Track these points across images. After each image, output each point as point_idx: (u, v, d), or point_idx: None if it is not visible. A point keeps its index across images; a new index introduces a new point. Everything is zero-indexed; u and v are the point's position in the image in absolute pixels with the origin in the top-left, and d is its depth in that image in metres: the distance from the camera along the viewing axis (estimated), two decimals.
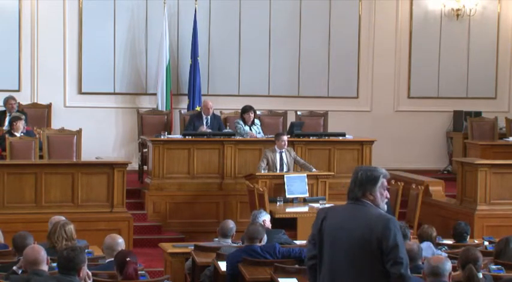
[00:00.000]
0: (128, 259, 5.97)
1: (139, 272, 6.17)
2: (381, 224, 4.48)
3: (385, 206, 4.68)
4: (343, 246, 4.55)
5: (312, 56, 14.49)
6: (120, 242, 6.65)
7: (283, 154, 11.22)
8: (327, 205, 10.32)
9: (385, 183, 4.66)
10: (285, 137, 11.27)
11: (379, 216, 4.54)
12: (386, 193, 4.66)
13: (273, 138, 11.43)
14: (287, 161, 11.23)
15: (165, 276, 6.92)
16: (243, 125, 12.30)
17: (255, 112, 12.49)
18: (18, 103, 12.86)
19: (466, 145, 13.81)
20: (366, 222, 4.51)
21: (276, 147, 11.22)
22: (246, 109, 12.42)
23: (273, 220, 9.27)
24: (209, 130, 12.30)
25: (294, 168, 11.38)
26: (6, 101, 12.57)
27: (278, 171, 11.11)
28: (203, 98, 13.46)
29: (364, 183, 4.61)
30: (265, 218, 8.41)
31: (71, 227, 7.09)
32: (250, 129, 12.33)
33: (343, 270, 4.55)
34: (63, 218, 7.69)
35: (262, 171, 10.98)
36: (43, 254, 5.56)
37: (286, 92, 14.43)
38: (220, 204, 11.63)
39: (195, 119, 12.61)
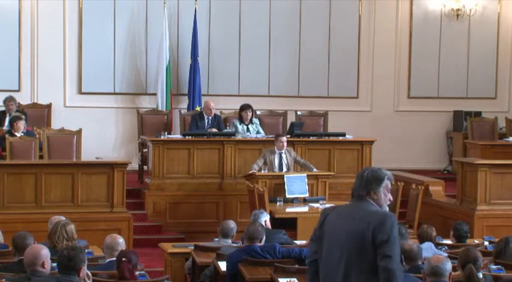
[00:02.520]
0: (123, 259, 5.97)
1: (138, 272, 6.17)
2: (377, 219, 4.56)
3: (387, 208, 4.75)
4: (339, 240, 4.64)
5: (312, 56, 14.49)
6: (121, 242, 6.65)
7: (283, 155, 11.21)
8: (327, 205, 10.36)
9: (389, 186, 4.74)
10: (284, 138, 11.25)
11: (376, 211, 4.64)
12: (389, 196, 4.74)
13: (273, 139, 11.43)
14: (287, 162, 11.22)
15: (165, 276, 6.92)
16: (238, 125, 12.32)
17: (253, 110, 12.49)
18: (18, 103, 12.86)
19: (466, 145, 13.81)
20: (363, 217, 4.60)
21: (275, 148, 11.22)
22: (243, 107, 12.43)
23: (273, 220, 9.28)
24: (215, 130, 12.30)
25: (295, 168, 11.38)
26: (5, 102, 12.56)
27: (277, 171, 11.10)
28: (204, 98, 13.47)
29: (369, 182, 4.68)
30: (266, 219, 8.42)
31: (72, 227, 7.09)
32: (248, 128, 12.34)
33: (335, 263, 4.62)
34: (63, 218, 7.69)
35: (262, 171, 10.97)
36: (43, 253, 5.53)
37: (286, 92, 14.43)
38: (220, 204, 11.63)
39: (198, 119, 12.61)
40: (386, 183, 4.70)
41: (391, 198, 4.78)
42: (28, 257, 5.54)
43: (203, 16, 13.95)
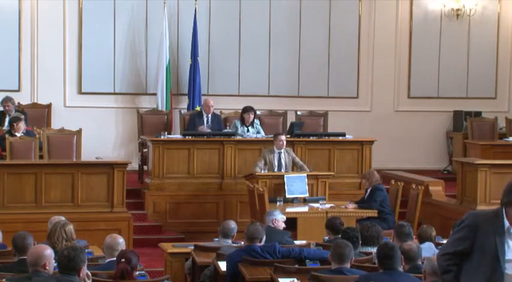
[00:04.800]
0: (122, 260, 5.98)
1: (138, 272, 6.17)
2: None
3: None
4: None
5: (312, 56, 14.49)
6: (121, 242, 6.65)
7: (282, 154, 11.22)
8: (327, 205, 10.37)
9: None
10: (283, 137, 11.26)
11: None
12: None
13: (273, 139, 11.43)
14: (285, 161, 11.22)
15: (165, 276, 6.92)
16: (239, 127, 12.34)
17: (255, 113, 12.51)
18: (18, 103, 12.85)
19: (466, 145, 13.80)
20: None
21: (274, 147, 11.23)
22: (247, 109, 12.45)
23: None
24: (208, 130, 12.31)
25: (293, 168, 11.37)
26: (1, 103, 12.53)
27: (276, 171, 11.11)
28: (203, 98, 13.47)
29: (509, 191, 4.31)
30: (278, 218, 8.44)
31: (71, 227, 7.09)
32: (248, 129, 12.35)
33: None
34: (63, 218, 7.69)
35: (262, 172, 10.97)
36: (46, 254, 5.51)
37: (286, 92, 14.43)
38: (220, 204, 11.63)
39: (196, 117, 12.63)
40: None
41: None
42: (31, 257, 5.53)
43: (203, 16, 13.95)
